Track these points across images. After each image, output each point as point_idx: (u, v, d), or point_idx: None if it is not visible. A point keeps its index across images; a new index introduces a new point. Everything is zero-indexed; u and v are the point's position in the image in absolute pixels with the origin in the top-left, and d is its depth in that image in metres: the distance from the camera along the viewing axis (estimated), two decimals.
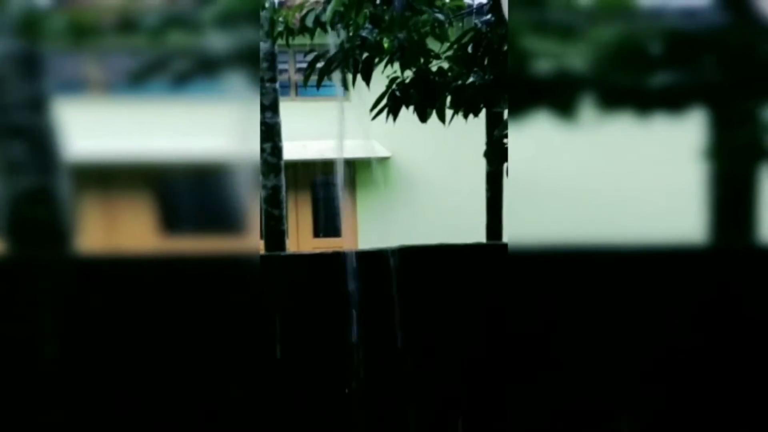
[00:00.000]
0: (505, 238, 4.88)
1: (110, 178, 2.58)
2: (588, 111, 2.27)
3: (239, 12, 2.43)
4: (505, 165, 4.14)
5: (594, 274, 2.48)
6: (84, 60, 2.54)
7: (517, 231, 2.39)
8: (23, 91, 2.43)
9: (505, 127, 3.99)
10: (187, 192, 2.69)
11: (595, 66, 2.26)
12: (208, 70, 2.43)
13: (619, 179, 2.39)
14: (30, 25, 2.40)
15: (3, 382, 2.58)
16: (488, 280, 3.03)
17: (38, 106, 2.45)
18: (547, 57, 2.29)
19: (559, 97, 2.27)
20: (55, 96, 2.47)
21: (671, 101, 2.25)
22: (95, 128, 2.50)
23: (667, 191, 2.35)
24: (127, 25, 2.45)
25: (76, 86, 2.57)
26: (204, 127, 2.44)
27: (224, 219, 2.55)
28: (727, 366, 2.51)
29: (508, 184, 4.34)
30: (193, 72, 2.44)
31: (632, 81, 2.27)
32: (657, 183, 2.36)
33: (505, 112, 4.20)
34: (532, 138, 2.30)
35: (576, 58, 2.26)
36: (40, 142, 2.46)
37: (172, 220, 2.65)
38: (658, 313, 2.55)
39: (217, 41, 2.40)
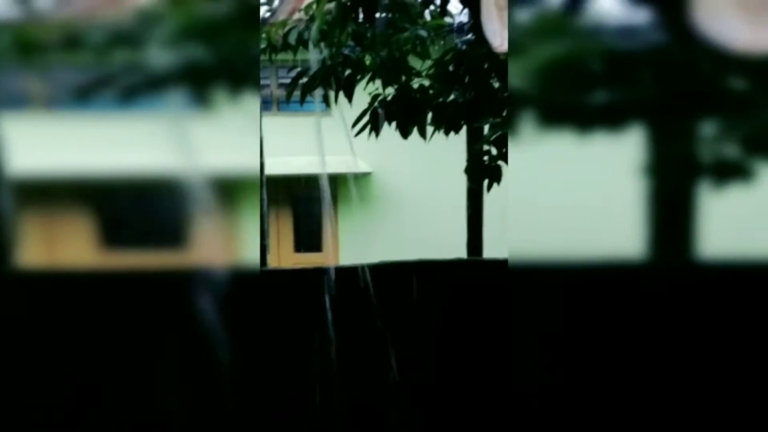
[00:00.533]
0: (486, 253, 4.91)
1: (51, 194, 2.57)
2: (528, 127, 2.30)
3: (189, 31, 2.44)
4: (485, 181, 4.18)
5: (533, 290, 2.50)
6: (27, 75, 2.54)
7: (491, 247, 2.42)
8: None
9: (485, 143, 4.03)
10: (128, 207, 2.69)
11: (535, 83, 2.29)
12: (154, 86, 2.44)
13: (559, 194, 2.42)
14: None
15: None
16: (468, 296, 3.05)
17: None
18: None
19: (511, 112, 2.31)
20: None
21: (610, 118, 2.30)
22: (37, 143, 2.50)
23: (606, 207, 2.39)
24: (72, 41, 2.45)
25: (18, 101, 2.56)
26: (147, 143, 2.45)
27: (167, 234, 2.55)
28: (666, 380, 2.55)
29: (489, 199, 4.38)
30: (138, 88, 2.44)
31: (572, 98, 2.31)
32: (595, 199, 2.40)
33: (485, 128, 4.25)
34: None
35: (516, 75, 2.31)
36: None
37: (112, 236, 2.65)
38: (590, 330, 2.58)
39: (163, 58, 2.40)
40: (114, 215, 2.67)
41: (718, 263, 2.38)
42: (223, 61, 2.44)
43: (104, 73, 2.43)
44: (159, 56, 2.37)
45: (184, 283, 2.51)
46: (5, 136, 2.45)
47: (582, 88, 2.27)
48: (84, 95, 2.46)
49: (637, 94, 2.27)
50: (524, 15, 2.31)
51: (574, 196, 2.39)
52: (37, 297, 2.68)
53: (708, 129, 2.29)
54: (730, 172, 2.26)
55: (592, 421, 2.63)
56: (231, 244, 2.57)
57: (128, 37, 2.40)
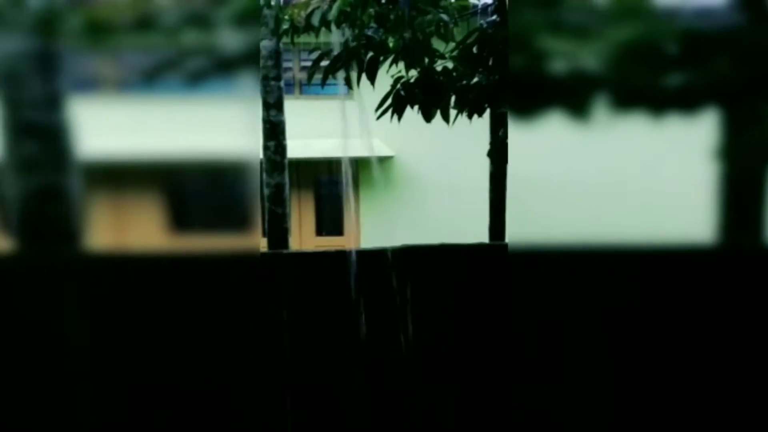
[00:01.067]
0: (509, 237, 4.88)
1: (121, 176, 2.59)
2: (602, 111, 2.26)
3: (254, 11, 2.44)
4: (508, 165, 4.14)
5: (603, 274, 2.47)
6: (99, 58, 2.55)
7: (522, 230, 2.40)
8: (38, 89, 2.44)
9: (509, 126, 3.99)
10: (197, 190, 2.69)
11: (610, 66, 2.25)
12: (223, 68, 2.44)
13: (632, 179, 2.39)
14: (47, 23, 2.41)
15: (14, 379, 2.59)
16: (490, 281, 3.03)
17: (53, 104, 2.46)
18: (561, 57, 2.29)
19: (573, 96, 2.27)
20: (69, 94, 2.47)
21: (685, 101, 2.25)
22: (108, 126, 2.51)
23: (680, 191, 2.35)
24: (142, 23, 2.45)
25: (90, 84, 2.57)
26: (216, 126, 2.45)
27: (234, 217, 2.55)
28: (734, 366, 2.50)
29: (512, 183, 4.35)
30: (207, 70, 2.44)
31: (646, 81, 2.27)
32: (669, 183, 2.36)
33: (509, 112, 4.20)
34: (543, 137, 2.30)
35: (590, 57, 2.26)
36: (53, 140, 2.46)
37: (181, 219, 2.66)
38: (663, 313, 2.54)
39: (232, 40, 2.40)
40: (183, 198, 2.68)
41: None
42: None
43: (173, 56, 2.43)
44: (229, 38, 2.37)
45: (251, 265, 2.52)
46: (76, 119, 2.46)
47: (657, 70, 2.23)
48: (153, 78, 2.47)
49: (713, 76, 2.22)
50: None
51: (645, 181, 2.36)
52: (106, 280, 2.69)
53: None
54: None
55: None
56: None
57: (199, 18, 2.40)
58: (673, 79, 2.26)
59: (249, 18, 2.44)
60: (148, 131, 2.51)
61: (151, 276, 2.72)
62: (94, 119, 2.47)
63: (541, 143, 2.30)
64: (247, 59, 2.41)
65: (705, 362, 2.54)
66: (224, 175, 2.51)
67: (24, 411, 2.59)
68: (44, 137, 2.45)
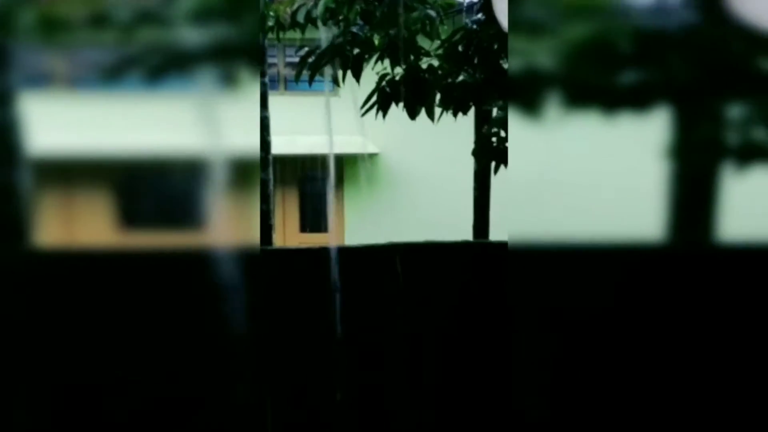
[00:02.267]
0: (492, 235, 4.90)
1: (72, 173, 2.57)
2: (554, 108, 2.28)
3: (214, 8, 2.42)
4: (492, 163, 4.15)
5: (552, 272, 2.48)
6: (51, 54, 2.52)
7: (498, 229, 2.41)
8: None
9: (494, 125, 4.00)
10: (148, 187, 2.67)
11: (563, 63, 2.27)
12: (181, 65, 2.42)
13: (582, 176, 2.40)
14: None
15: None
16: (474, 278, 3.05)
17: (2, 100, 2.43)
18: (518, 54, 2.30)
19: (527, 94, 2.28)
20: (20, 90, 2.45)
21: (638, 99, 2.27)
22: (60, 123, 2.49)
23: (629, 189, 2.37)
24: (97, 19, 2.42)
25: (42, 80, 2.55)
26: (172, 123, 2.43)
27: (186, 214, 2.54)
28: (684, 365, 2.53)
29: (496, 180, 4.36)
30: (164, 68, 2.42)
31: (600, 79, 2.28)
32: (619, 181, 2.38)
33: (494, 110, 4.21)
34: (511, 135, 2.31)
35: (545, 55, 2.27)
36: (2, 136, 2.44)
37: (131, 216, 2.64)
38: (609, 311, 2.56)
39: (190, 37, 2.38)
40: (133, 195, 2.66)
41: (738, 246, 2.36)
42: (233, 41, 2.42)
43: (130, 53, 2.41)
44: (185, 35, 2.35)
45: (200, 262, 2.51)
46: (27, 115, 2.44)
47: (610, 68, 2.24)
48: (108, 74, 2.45)
49: (665, 75, 2.24)
50: None
51: (597, 178, 2.37)
52: (55, 276, 2.67)
53: (736, 111, 2.26)
54: (756, 155, 2.23)
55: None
56: (243, 223, 2.57)
57: (154, 15, 2.38)
58: (626, 77, 2.28)
59: (214, 13, 2.42)
60: (102, 128, 2.49)
61: (100, 273, 2.70)
62: (46, 116, 2.45)
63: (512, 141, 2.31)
64: (212, 55, 2.40)
65: (654, 359, 2.57)
66: (179, 173, 2.49)
67: None
68: None
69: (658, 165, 2.30)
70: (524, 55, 2.30)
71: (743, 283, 2.46)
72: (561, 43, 2.23)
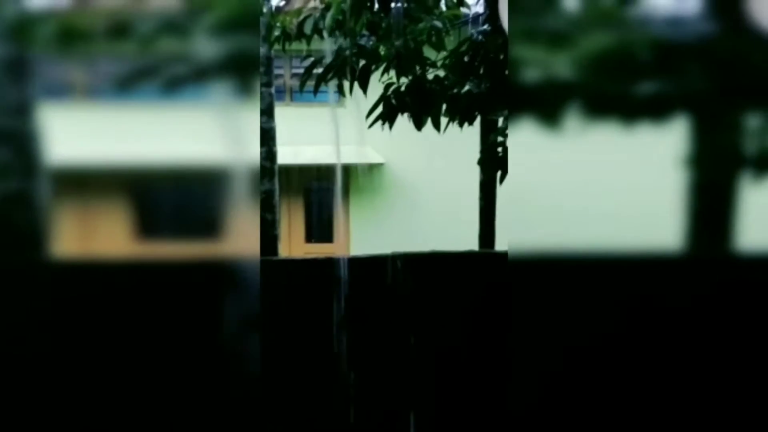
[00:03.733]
0: (498, 246, 4.89)
1: (90, 183, 2.58)
2: (573, 119, 2.28)
3: (236, 19, 2.44)
4: (498, 173, 4.16)
5: (571, 283, 2.48)
6: (72, 65, 2.54)
7: (508, 239, 2.41)
8: (9, 96, 2.43)
9: (499, 135, 4.01)
10: (166, 198, 2.68)
11: (582, 74, 2.27)
12: (199, 76, 2.43)
13: (601, 187, 2.40)
14: (19, 30, 2.40)
15: None
16: (480, 288, 3.04)
17: (23, 110, 2.45)
18: (536, 65, 2.31)
19: (546, 104, 2.29)
20: (40, 100, 2.47)
21: (656, 109, 2.27)
22: (77, 133, 2.50)
23: (648, 199, 2.37)
24: (118, 30, 2.45)
25: (61, 91, 2.57)
26: (191, 133, 2.44)
27: (204, 225, 2.54)
28: (704, 375, 2.52)
29: (502, 192, 4.36)
30: (183, 78, 2.44)
31: (618, 89, 2.28)
32: (638, 191, 2.37)
33: (500, 120, 4.22)
34: (522, 146, 2.31)
35: (563, 66, 2.28)
36: (22, 147, 2.46)
37: (150, 226, 2.64)
38: (633, 321, 2.56)
39: (210, 48, 2.40)
40: (152, 205, 2.67)
41: (758, 256, 2.36)
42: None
43: (148, 63, 2.42)
44: (208, 46, 2.37)
45: (218, 273, 2.50)
46: (46, 125, 2.45)
47: (629, 79, 2.25)
48: (127, 85, 2.46)
49: (684, 85, 2.24)
50: (572, 4, 2.28)
51: (614, 188, 2.38)
52: (72, 287, 2.66)
53: (755, 121, 2.25)
54: None
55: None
56: (251, 233, 2.57)
57: (175, 26, 2.40)
58: (645, 88, 2.28)
59: (235, 25, 2.44)
60: (121, 138, 2.51)
61: (117, 283, 2.69)
62: (65, 126, 2.47)
63: (522, 152, 2.32)
64: (232, 67, 2.41)
65: (675, 369, 2.55)
66: (199, 183, 2.50)
67: None
68: (13, 143, 2.45)
69: (674, 175, 2.30)
70: (535, 65, 2.31)
71: (763, 292, 2.44)
72: (579, 54, 2.24)
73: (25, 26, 2.41)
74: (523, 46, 2.31)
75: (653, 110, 2.25)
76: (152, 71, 2.44)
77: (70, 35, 2.42)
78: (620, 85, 2.27)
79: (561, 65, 2.28)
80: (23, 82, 2.45)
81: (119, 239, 2.60)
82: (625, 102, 2.26)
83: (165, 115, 2.51)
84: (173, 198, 2.67)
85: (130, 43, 2.44)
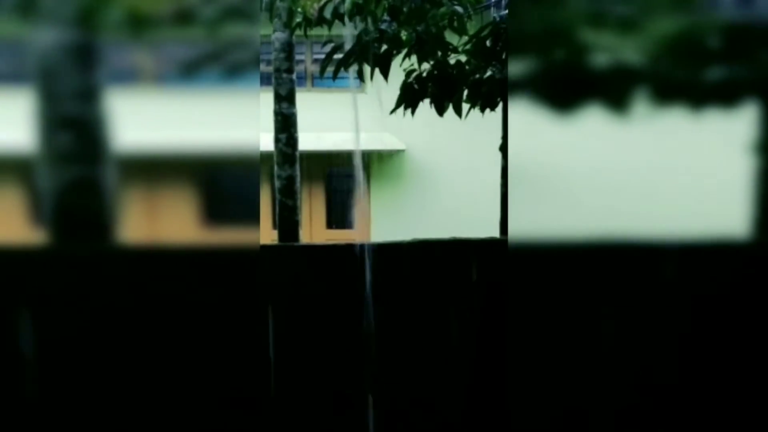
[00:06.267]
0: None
1: (156, 169, 2.59)
2: (641, 104, 2.25)
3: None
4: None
5: (633, 269, 2.46)
6: (138, 50, 2.55)
7: (510, 226, 2.39)
8: (76, 81, 2.44)
9: None
10: (232, 184, 2.69)
11: (651, 59, 2.23)
12: (262, 61, 2.43)
13: (670, 173, 2.37)
14: (87, 15, 2.40)
15: (45, 369, 2.59)
16: (501, 275, 3.02)
17: (90, 96, 2.46)
18: (603, 50, 2.27)
19: (614, 90, 2.26)
20: (107, 86, 2.47)
21: (725, 95, 2.23)
22: (145, 119, 2.51)
23: (716, 185, 2.33)
24: (182, 15, 2.45)
25: (128, 76, 2.57)
26: (255, 119, 2.44)
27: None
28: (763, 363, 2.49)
29: (523, 176, 4.32)
30: (247, 64, 2.43)
31: (687, 74, 2.25)
32: (707, 177, 2.34)
33: None
34: (579, 131, 2.28)
35: (632, 51, 2.25)
36: (89, 133, 2.47)
37: (215, 212, 2.65)
38: (698, 307, 2.53)
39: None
40: (217, 192, 2.68)
41: None
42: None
43: (213, 48, 2.43)
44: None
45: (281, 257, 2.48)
46: (114, 111, 2.47)
47: (698, 64, 2.21)
48: (192, 70, 2.47)
49: (754, 70, 2.20)
50: None
51: (683, 175, 2.35)
52: (139, 273, 2.67)
53: None
54: None
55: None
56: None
57: (239, 11, 2.39)
58: (714, 73, 2.24)
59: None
60: (185, 124, 2.51)
61: (184, 269, 2.69)
62: (131, 112, 2.47)
63: (577, 136, 2.29)
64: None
65: (733, 362, 2.53)
66: (258, 169, 2.50)
67: (65, 407, 2.59)
68: (80, 129, 2.46)
69: (742, 162, 2.27)
70: (610, 51, 2.27)
71: None
72: (649, 39, 2.21)
73: (92, 11, 2.42)
74: (586, 30, 2.28)
75: (723, 95, 2.21)
76: (216, 56, 2.44)
77: (137, 20, 2.43)
78: (689, 70, 2.23)
79: (629, 50, 2.24)
80: (90, 68, 2.46)
81: (185, 225, 2.62)
82: (694, 87, 2.22)
83: (229, 101, 2.51)
84: (237, 184, 2.67)
85: (195, 29, 2.44)
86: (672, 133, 2.25)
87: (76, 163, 2.47)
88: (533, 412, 2.51)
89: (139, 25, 2.42)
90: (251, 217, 2.55)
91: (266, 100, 5.30)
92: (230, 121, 2.47)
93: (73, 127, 2.45)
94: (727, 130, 2.23)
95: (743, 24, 2.21)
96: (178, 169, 2.60)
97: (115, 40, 2.48)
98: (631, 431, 2.61)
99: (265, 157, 3.13)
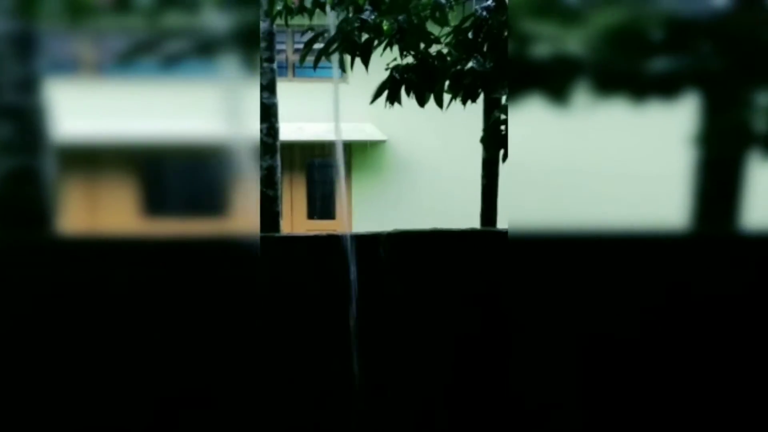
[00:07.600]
0: (500, 224, 4.89)
1: (96, 160, 2.56)
2: (582, 95, 2.26)
3: None
4: (501, 151, 4.13)
5: (576, 261, 2.48)
6: (77, 40, 2.51)
7: (512, 216, 2.40)
8: (14, 71, 2.41)
9: (502, 113, 3.98)
10: (172, 174, 2.66)
11: (594, 50, 2.25)
12: (203, 50, 2.41)
13: (610, 164, 2.39)
14: (25, 4, 2.37)
15: None
16: (482, 267, 3.03)
17: (28, 86, 2.43)
18: (546, 41, 2.28)
19: (555, 81, 2.27)
20: (46, 76, 2.44)
21: (667, 86, 2.25)
22: (85, 109, 2.48)
23: (656, 176, 2.35)
24: (122, 4, 2.42)
25: (67, 66, 2.54)
26: (196, 109, 2.42)
27: (210, 202, 2.52)
28: (707, 354, 2.52)
29: (505, 169, 4.35)
30: (186, 52, 2.41)
31: (629, 66, 2.26)
32: (647, 168, 2.36)
33: (503, 98, 4.18)
34: (528, 123, 2.30)
35: (575, 42, 2.26)
36: (28, 123, 2.44)
37: (156, 203, 2.63)
38: (635, 300, 2.55)
39: (214, 21, 2.37)
40: (158, 182, 2.65)
41: (765, 235, 2.34)
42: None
43: (152, 37, 2.40)
44: (213, 20, 2.35)
45: (223, 250, 2.49)
46: (52, 101, 2.43)
47: (639, 55, 2.23)
48: (131, 60, 2.44)
49: (696, 62, 2.22)
50: None
51: (623, 166, 2.37)
52: (78, 263, 2.65)
53: (766, 99, 2.24)
54: None
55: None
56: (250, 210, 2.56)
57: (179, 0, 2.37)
58: (656, 64, 2.26)
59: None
60: (126, 114, 2.48)
61: (125, 260, 2.67)
62: (71, 101, 2.44)
63: (528, 129, 2.30)
64: (235, 41, 2.38)
65: (674, 351, 2.55)
66: (203, 159, 2.48)
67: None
68: (19, 119, 2.42)
69: (683, 153, 2.29)
70: (554, 42, 2.28)
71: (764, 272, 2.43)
72: (591, 30, 2.22)
73: (30, 0, 2.38)
74: (530, 21, 2.29)
75: (664, 87, 2.23)
76: (153, 46, 2.41)
77: (76, 9, 2.39)
78: (631, 61, 2.25)
79: (572, 41, 2.26)
80: (29, 57, 2.43)
81: (126, 216, 2.59)
82: (635, 78, 2.23)
83: (170, 91, 2.49)
84: (178, 175, 2.65)
85: (134, 18, 2.41)
86: (613, 125, 2.28)
87: (15, 154, 2.44)
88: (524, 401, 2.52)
89: (78, 13, 2.39)
90: (209, 207, 2.54)
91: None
92: (172, 111, 2.45)
93: (12, 117, 2.42)
94: (668, 122, 2.26)
95: (686, 17, 2.23)
96: (118, 160, 2.57)
97: (55, 29, 2.44)
98: (626, 420, 2.63)
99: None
